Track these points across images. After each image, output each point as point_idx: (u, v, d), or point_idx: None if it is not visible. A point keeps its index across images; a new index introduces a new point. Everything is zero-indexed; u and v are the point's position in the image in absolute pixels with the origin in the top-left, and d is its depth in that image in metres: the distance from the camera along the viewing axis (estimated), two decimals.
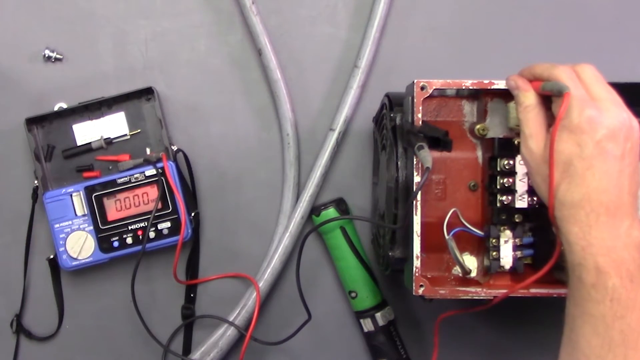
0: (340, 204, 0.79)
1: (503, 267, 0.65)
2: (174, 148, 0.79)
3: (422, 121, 0.63)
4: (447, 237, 0.63)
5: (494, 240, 0.65)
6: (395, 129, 0.67)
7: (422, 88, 0.63)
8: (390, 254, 0.67)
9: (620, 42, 0.81)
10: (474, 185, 0.67)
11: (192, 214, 0.79)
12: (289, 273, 0.81)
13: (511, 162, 0.64)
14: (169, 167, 0.76)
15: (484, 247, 0.66)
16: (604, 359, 0.50)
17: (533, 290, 0.63)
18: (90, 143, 0.79)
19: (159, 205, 0.77)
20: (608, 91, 0.54)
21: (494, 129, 0.67)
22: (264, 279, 0.78)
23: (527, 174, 0.62)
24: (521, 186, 0.64)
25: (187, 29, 0.82)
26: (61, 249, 0.77)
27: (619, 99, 0.54)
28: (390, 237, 0.67)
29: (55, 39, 0.81)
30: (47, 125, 0.80)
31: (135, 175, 0.77)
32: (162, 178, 0.76)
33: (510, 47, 0.81)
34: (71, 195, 0.77)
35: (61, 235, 0.77)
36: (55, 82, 0.81)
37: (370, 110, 0.79)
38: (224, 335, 0.78)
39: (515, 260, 0.65)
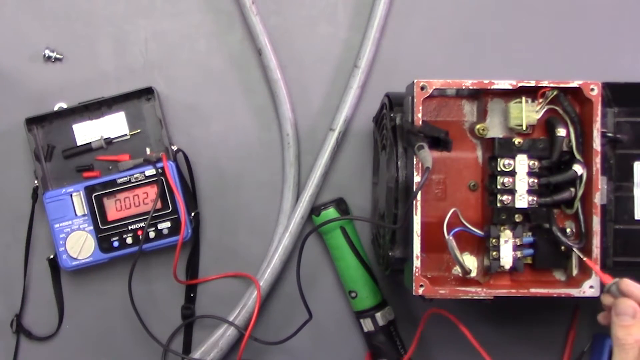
0: (340, 204, 0.79)
1: (503, 267, 0.65)
2: (174, 148, 0.79)
3: (422, 121, 0.63)
4: (447, 237, 0.63)
5: (494, 240, 0.65)
6: (395, 129, 0.67)
7: (422, 88, 0.63)
8: (390, 254, 0.67)
9: (620, 42, 0.81)
10: (474, 185, 0.67)
11: (192, 214, 0.79)
12: (289, 273, 0.81)
13: (511, 162, 0.64)
14: (169, 167, 0.76)
15: (484, 247, 0.66)
16: None
17: (533, 290, 0.63)
18: (90, 143, 0.79)
19: (159, 205, 0.77)
20: None
21: (494, 129, 0.67)
22: (264, 279, 0.78)
23: None
24: (521, 186, 0.64)
25: (187, 29, 0.82)
26: (61, 249, 0.77)
27: None
28: (390, 237, 0.67)
29: (55, 39, 0.81)
30: (47, 125, 0.80)
31: (135, 175, 0.77)
32: (162, 178, 0.76)
33: (510, 47, 0.81)
34: (71, 195, 0.77)
35: (61, 235, 0.77)
36: (55, 82, 0.81)
37: (370, 110, 0.79)
38: (224, 335, 0.78)
39: (515, 260, 0.65)
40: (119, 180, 0.77)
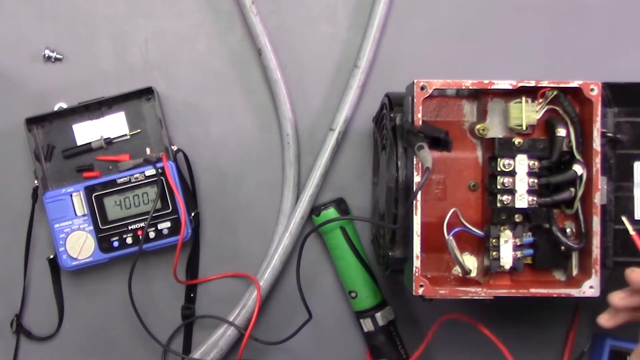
0: (340, 204, 0.79)
1: (503, 267, 0.65)
2: (174, 148, 0.79)
3: (422, 121, 0.63)
4: (447, 237, 0.63)
5: (494, 240, 0.65)
6: (395, 129, 0.67)
7: (422, 88, 0.63)
8: (390, 254, 0.67)
9: (620, 42, 0.81)
10: (474, 185, 0.67)
11: (192, 214, 0.79)
12: (289, 273, 0.81)
13: (511, 162, 0.64)
14: (169, 167, 0.76)
15: (484, 247, 0.66)
16: None
17: (533, 290, 0.63)
18: (90, 143, 0.79)
19: (159, 205, 0.77)
20: None
21: (494, 129, 0.67)
22: (264, 279, 0.78)
23: None
24: (521, 186, 0.64)
25: (187, 29, 0.82)
26: (61, 249, 0.77)
27: None
28: (390, 237, 0.67)
29: (55, 39, 0.81)
30: (47, 125, 0.80)
31: (135, 175, 0.77)
32: (162, 178, 0.76)
33: (510, 47, 0.81)
34: (71, 195, 0.77)
35: (61, 235, 0.77)
36: (55, 82, 0.81)
37: (370, 110, 0.79)
38: (224, 335, 0.78)
39: (515, 260, 0.65)
40: (119, 180, 0.77)
